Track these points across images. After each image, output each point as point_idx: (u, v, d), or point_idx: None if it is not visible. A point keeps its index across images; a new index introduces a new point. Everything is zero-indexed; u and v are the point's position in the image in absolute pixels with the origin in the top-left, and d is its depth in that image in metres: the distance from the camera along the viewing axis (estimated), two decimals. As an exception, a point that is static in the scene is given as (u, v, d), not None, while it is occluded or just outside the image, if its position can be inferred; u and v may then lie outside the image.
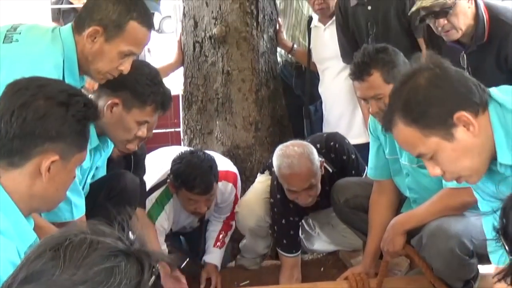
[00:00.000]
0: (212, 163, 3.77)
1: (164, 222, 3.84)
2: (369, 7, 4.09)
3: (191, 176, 3.67)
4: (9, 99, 1.98)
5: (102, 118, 2.98)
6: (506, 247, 1.44)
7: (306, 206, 3.78)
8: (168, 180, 3.80)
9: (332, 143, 3.88)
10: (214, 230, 4.13)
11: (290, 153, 3.63)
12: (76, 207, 2.86)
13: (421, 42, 4.04)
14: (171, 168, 3.78)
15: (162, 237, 3.86)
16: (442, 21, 3.47)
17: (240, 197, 4.14)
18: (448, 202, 3.15)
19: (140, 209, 3.67)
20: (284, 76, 4.95)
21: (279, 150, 3.71)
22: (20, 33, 2.76)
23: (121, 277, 1.14)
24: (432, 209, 3.18)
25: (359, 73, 3.24)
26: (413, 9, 3.56)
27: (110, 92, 3.03)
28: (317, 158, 3.65)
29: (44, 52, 2.72)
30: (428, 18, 3.52)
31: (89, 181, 3.22)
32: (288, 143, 3.74)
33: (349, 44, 4.21)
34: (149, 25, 2.83)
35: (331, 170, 3.82)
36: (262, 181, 4.15)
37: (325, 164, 3.76)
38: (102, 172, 3.36)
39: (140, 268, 1.18)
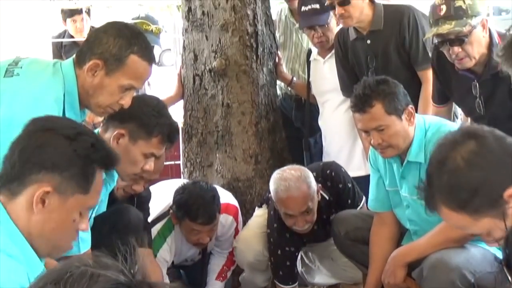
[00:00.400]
0: (214, 193, 3.79)
1: (166, 254, 3.83)
2: (369, 41, 4.11)
3: (194, 206, 3.69)
4: (26, 135, 1.96)
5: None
6: (509, 278, 1.44)
7: (302, 232, 3.78)
8: (171, 211, 3.80)
9: (328, 171, 3.89)
10: (217, 263, 4.13)
11: (287, 176, 3.65)
12: (82, 241, 2.84)
13: (421, 75, 4.06)
14: (173, 199, 3.79)
15: (164, 269, 3.84)
16: (457, 49, 3.44)
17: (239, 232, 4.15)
18: (449, 235, 3.14)
19: (144, 249, 3.65)
20: (283, 108, 4.97)
21: (276, 174, 3.73)
22: (21, 67, 2.76)
23: None
24: (433, 241, 3.18)
25: (360, 105, 3.24)
26: (428, 35, 3.56)
27: (117, 124, 3.03)
28: (314, 182, 3.67)
29: (44, 86, 2.71)
30: (442, 45, 3.51)
31: (93, 215, 3.21)
32: (285, 167, 3.77)
33: (349, 78, 4.23)
34: (150, 59, 2.82)
35: (327, 198, 3.83)
36: (260, 215, 4.15)
37: (321, 192, 3.77)
38: (103, 207, 3.35)
39: None
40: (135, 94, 2.96)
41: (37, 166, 1.88)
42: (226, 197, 4.07)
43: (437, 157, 2.00)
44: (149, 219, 3.79)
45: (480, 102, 3.62)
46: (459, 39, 3.42)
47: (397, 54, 4.08)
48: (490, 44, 3.50)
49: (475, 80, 3.59)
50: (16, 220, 1.88)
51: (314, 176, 3.76)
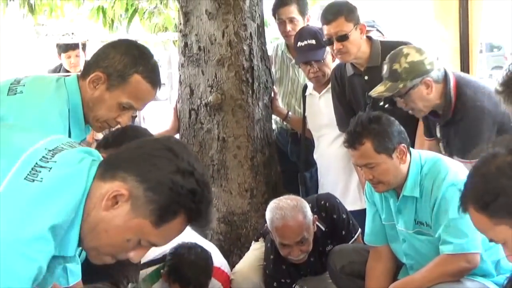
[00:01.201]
0: (208, 261, 3.75)
1: None
2: (366, 77, 4.13)
3: (187, 275, 3.66)
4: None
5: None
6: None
7: (298, 262, 3.77)
8: (162, 271, 3.75)
9: (322, 202, 3.91)
10: None
11: (283, 205, 3.67)
12: (72, 274, 2.83)
13: None
14: (167, 260, 3.74)
15: None
16: (402, 102, 3.63)
17: (235, 265, 4.14)
18: (445, 269, 3.16)
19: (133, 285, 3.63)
20: (279, 142, 4.99)
21: (272, 203, 3.75)
22: (24, 85, 2.71)
23: None
24: (429, 275, 3.18)
25: (351, 142, 3.29)
26: (374, 91, 3.70)
27: (102, 150, 2.96)
28: (309, 212, 3.69)
29: (48, 102, 2.66)
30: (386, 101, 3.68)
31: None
32: (281, 197, 3.79)
33: (346, 113, 4.23)
34: (154, 82, 2.73)
35: (323, 229, 3.83)
36: (257, 249, 4.15)
37: (317, 222, 3.77)
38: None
39: None
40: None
41: (134, 170, 1.80)
42: (219, 261, 3.99)
43: (476, 164, 2.10)
44: (141, 261, 3.77)
45: (442, 143, 3.78)
46: (398, 95, 3.60)
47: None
48: (444, 94, 3.62)
49: (437, 123, 3.76)
50: (87, 204, 1.80)
51: (309, 207, 3.77)
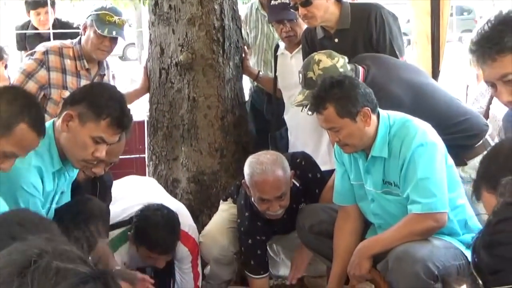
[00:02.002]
0: (175, 223, 3.71)
1: None
2: (336, 40, 4.13)
3: (153, 237, 3.61)
4: None
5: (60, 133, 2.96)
6: (480, 281, 1.48)
7: (275, 217, 3.77)
8: (129, 233, 3.73)
9: (298, 160, 3.93)
10: None
11: (263, 160, 3.66)
12: None
13: None
14: (133, 223, 3.72)
15: None
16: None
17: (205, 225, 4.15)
18: (413, 228, 3.20)
19: (103, 239, 3.62)
20: (254, 101, 4.99)
21: (251, 158, 3.73)
22: None
23: None
24: (397, 234, 3.23)
25: (315, 106, 3.33)
26: (296, 100, 3.78)
27: (68, 107, 3.02)
28: (288, 167, 3.70)
29: None
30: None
31: (53, 206, 3.19)
32: (260, 152, 3.79)
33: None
34: (39, 131, 2.76)
35: (298, 185, 3.85)
36: (225, 210, 4.16)
37: (293, 179, 3.78)
38: (67, 198, 3.33)
39: None
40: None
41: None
42: (187, 223, 3.94)
43: (490, 150, 2.16)
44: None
45: None
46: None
47: (365, 50, 4.11)
48: None
49: None
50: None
51: None
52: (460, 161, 3.73)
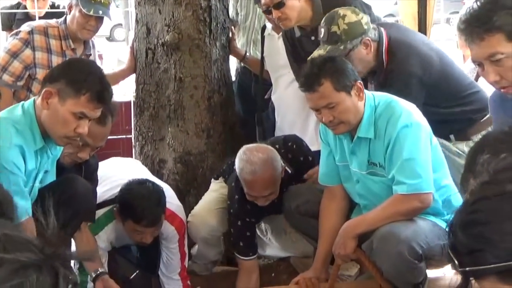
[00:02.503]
0: (160, 195, 3.69)
1: (100, 242, 3.73)
2: (313, 37, 4.12)
3: (139, 208, 3.59)
4: None
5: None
6: (456, 262, 1.48)
7: (262, 205, 3.79)
8: (114, 209, 3.72)
9: (290, 144, 3.93)
10: None
11: (253, 160, 3.64)
12: (19, 209, 2.82)
13: None
14: (118, 197, 3.70)
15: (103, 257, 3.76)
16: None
17: (192, 206, 4.15)
18: (398, 208, 3.21)
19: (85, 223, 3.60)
20: (242, 82, 4.98)
21: (243, 154, 3.71)
22: None
23: None
24: (382, 214, 3.24)
25: (309, 84, 3.28)
26: (313, 55, 3.70)
27: (48, 84, 3.02)
28: (279, 165, 3.69)
29: None
30: None
31: (37, 184, 3.17)
32: (253, 147, 3.76)
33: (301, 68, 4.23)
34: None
35: (290, 172, 3.85)
36: (215, 190, 4.16)
37: (286, 167, 3.79)
38: (51, 178, 3.32)
39: (55, 278, 1.13)
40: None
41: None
42: (174, 204, 3.92)
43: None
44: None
45: None
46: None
47: None
48: (377, 54, 3.72)
49: (371, 82, 3.82)
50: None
51: (276, 148, 3.79)
52: (465, 136, 3.77)
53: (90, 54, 4.55)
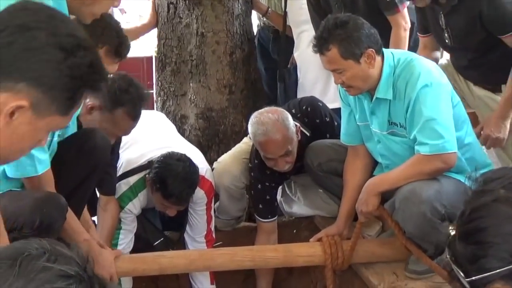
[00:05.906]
0: (194, 176, 3.69)
1: (133, 208, 3.78)
2: None
3: (171, 186, 3.60)
4: (9, 13, 1.55)
5: None
6: (462, 274, 1.49)
7: (284, 172, 3.79)
8: (147, 176, 3.73)
9: (304, 107, 3.89)
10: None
11: (264, 120, 3.63)
12: (39, 162, 2.82)
13: (390, 20, 4.03)
14: (154, 167, 3.70)
15: (131, 219, 3.80)
16: None
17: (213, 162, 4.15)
18: (421, 168, 3.18)
19: (108, 197, 3.65)
20: (262, 39, 4.93)
21: (253, 117, 3.70)
22: None
23: None
24: (406, 173, 3.21)
25: (319, 47, 3.25)
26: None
27: None
28: (292, 124, 3.66)
29: None
30: None
31: (56, 138, 3.17)
32: (263, 110, 3.74)
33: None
34: None
35: (308, 134, 3.82)
36: (245, 142, 4.15)
37: (301, 129, 3.76)
38: (72, 130, 3.32)
39: None
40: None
41: (20, 73, 1.50)
42: (204, 167, 3.91)
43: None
44: (127, 168, 3.78)
45: (447, 33, 3.69)
46: None
47: (365, 2, 4.04)
48: None
49: (441, 12, 3.65)
50: None
51: (293, 113, 3.77)
52: (498, 87, 3.74)
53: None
